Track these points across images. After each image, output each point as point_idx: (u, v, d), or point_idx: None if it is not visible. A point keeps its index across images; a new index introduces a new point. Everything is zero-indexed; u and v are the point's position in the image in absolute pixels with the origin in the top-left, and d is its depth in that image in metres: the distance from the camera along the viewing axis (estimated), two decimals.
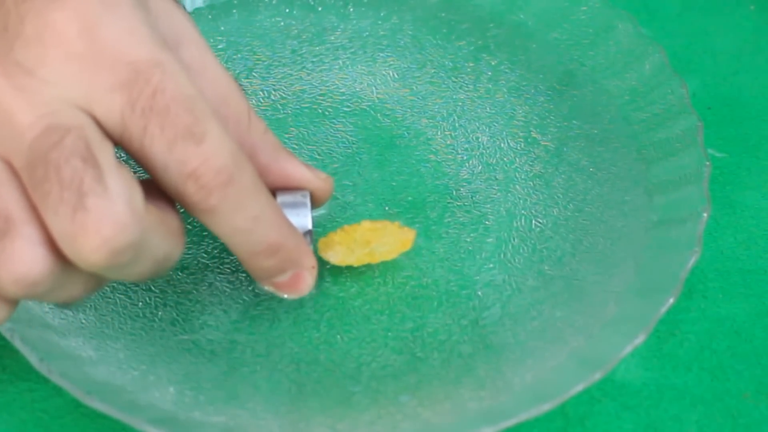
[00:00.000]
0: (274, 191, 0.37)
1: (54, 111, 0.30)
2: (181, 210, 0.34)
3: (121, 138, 0.31)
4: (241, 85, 0.36)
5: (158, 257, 0.33)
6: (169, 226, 0.33)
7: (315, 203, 0.38)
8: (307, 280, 0.37)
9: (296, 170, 0.37)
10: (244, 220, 0.33)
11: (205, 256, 0.40)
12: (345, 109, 0.46)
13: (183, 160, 0.31)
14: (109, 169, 0.30)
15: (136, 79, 0.31)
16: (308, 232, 0.37)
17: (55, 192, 0.30)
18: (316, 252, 0.39)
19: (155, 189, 0.33)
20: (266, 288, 0.37)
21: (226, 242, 0.34)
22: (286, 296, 0.37)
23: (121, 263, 0.31)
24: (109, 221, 0.30)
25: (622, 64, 0.45)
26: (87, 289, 0.33)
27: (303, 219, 0.37)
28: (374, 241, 0.39)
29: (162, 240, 0.32)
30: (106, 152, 0.31)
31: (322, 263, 0.39)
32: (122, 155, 0.35)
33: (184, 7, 0.36)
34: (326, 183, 0.38)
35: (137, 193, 0.31)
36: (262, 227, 0.34)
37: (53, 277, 0.31)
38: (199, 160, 0.32)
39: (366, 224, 0.39)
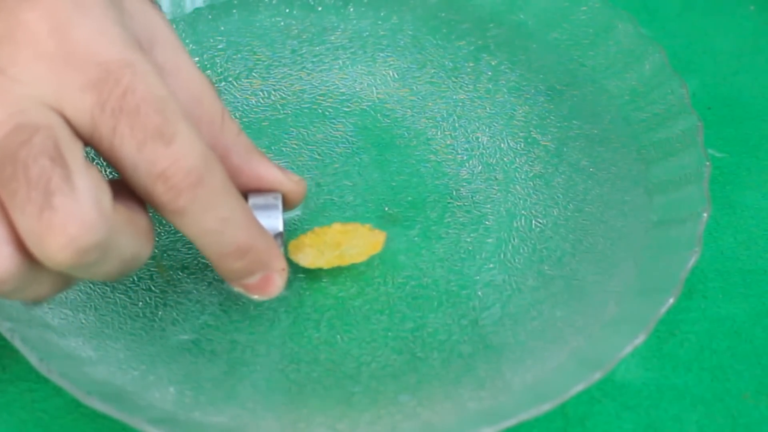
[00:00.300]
0: (246, 193, 0.37)
1: (24, 110, 0.30)
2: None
3: (91, 137, 0.31)
4: (216, 86, 0.36)
5: (126, 257, 0.33)
6: (137, 226, 0.33)
7: (288, 205, 0.38)
8: (277, 282, 0.37)
9: (268, 172, 0.37)
10: (213, 222, 0.33)
11: None
12: (345, 109, 0.46)
13: (152, 160, 0.31)
14: (77, 168, 0.30)
15: (107, 79, 0.31)
16: (279, 234, 0.37)
17: (23, 191, 0.30)
18: (286, 254, 0.39)
19: (125, 189, 0.33)
20: (236, 289, 0.37)
21: (195, 243, 0.34)
22: (255, 298, 0.37)
23: (87, 262, 0.31)
24: (75, 220, 0.30)
25: (622, 64, 0.45)
26: (55, 288, 0.33)
27: (274, 221, 0.37)
28: (344, 244, 0.39)
29: (130, 240, 0.32)
30: (75, 152, 0.31)
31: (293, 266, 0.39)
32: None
33: (160, 7, 0.36)
34: (299, 185, 0.38)
35: (105, 193, 0.31)
36: (232, 229, 0.34)
37: (20, 275, 0.31)
38: (168, 161, 0.32)
39: (336, 226, 0.39)
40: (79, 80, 0.31)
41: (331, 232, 0.39)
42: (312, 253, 0.39)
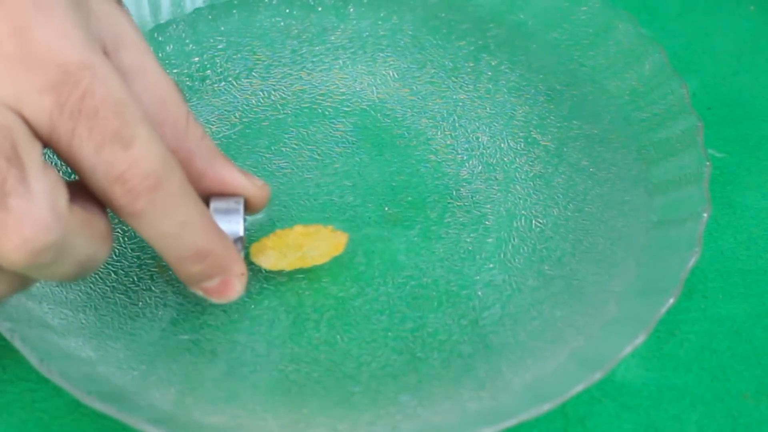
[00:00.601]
0: (209, 197, 0.37)
1: None
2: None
3: (50, 139, 0.31)
4: (181, 89, 0.36)
5: (82, 258, 0.33)
6: (94, 228, 0.33)
7: (251, 210, 0.38)
8: (236, 287, 0.37)
9: (231, 177, 0.37)
10: (170, 226, 0.33)
11: None
12: (345, 109, 0.46)
13: (110, 163, 0.32)
14: (34, 169, 0.30)
15: (66, 81, 0.31)
16: (240, 239, 0.37)
17: None
18: (248, 257, 0.39)
19: (84, 191, 0.33)
20: (196, 292, 0.37)
21: (153, 246, 0.34)
22: (215, 301, 0.37)
23: (42, 263, 0.31)
24: (29, 221, 0.30)
25: (622, 64, 0.45)
26: (11, 288, 0.33)
27: (235, 225, 0.37)
28: (306, 246, 0.39)
29: (86, 241, 0.32)
30: (32, 153, 0.31)
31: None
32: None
33: (128, 11, 0.36)
34: (262, 190, 0.38)
35: (61, 194, 0.31)
36: (190, 233, 0.34)
37: None
38: (126, 164, 0.32)
39: (299, 228, 0.39)
40: (38, 82, 0.31)
41: (293, 234, 0.39)
42: (274, 255, 0.39)
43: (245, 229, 0.37)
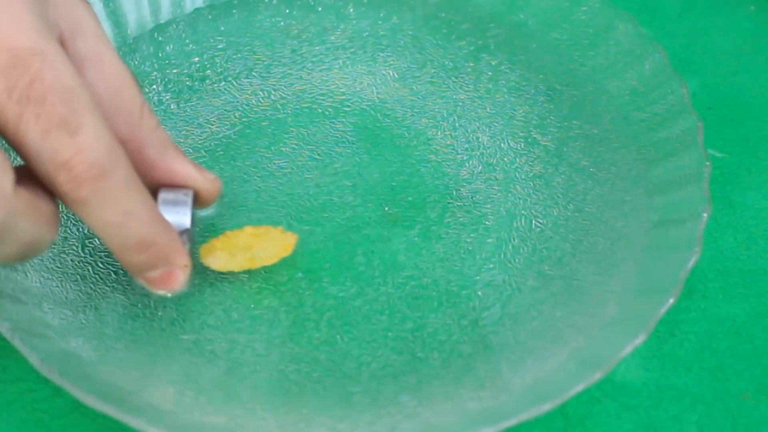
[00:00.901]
0: (159, 188, 0.37)
1: None
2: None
3: None
4: (137, 79, 0.36)
5: (26, 240, 0.33)
6: (40, 212, 0.33)
7: (201, 203, 0.38)
8: (179, 278, 0.37)
9: (182, 168, 0.37)
10: (114, 215, 0.33)
11: None
12: (345, 109, 0.46)
13: (56, 149, 0.32)
14: None
15: (15, 66, 0.31)
16: (186, 231, 0.37)
17: None
18: (197, 257, 0.39)
19: (33, 175, 0.33)
20: (139, 282, 0.37)
21: (97, 234, 0.34)
22: (158, 292, 0.37)
23: None
24: None
25: (622, 64, 0.45)
26: None
27: (182, 217, 0.37)
28: (256, 246, 0.39)
29: (30, 224, 0.33)
30: None
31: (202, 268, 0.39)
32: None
33: None
34: (213, 184, 0.38)
35: (7, 176, 0.31)
36: (133, 223, 0.34)
37: None
38: (72, 151, 0.32)
39: (248, 229, 0.39)
40: None
41: (243, 236, 0.39)
42: (223, 256, 0.39)
43: (193, 222, 0.37)
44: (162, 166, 0.37)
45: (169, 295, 0.38)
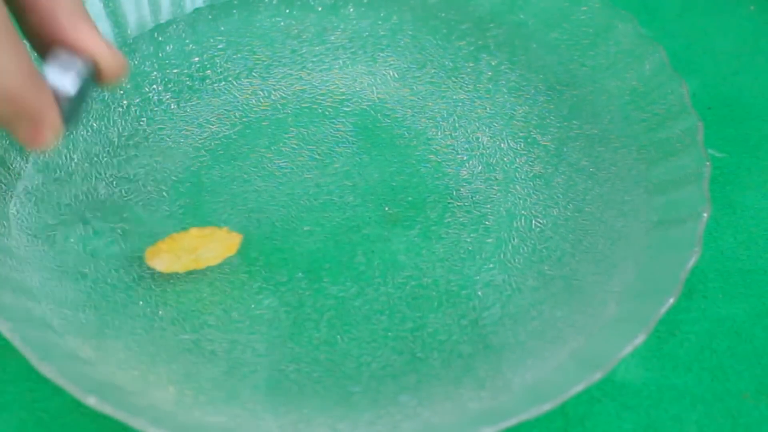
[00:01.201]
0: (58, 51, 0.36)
1: None
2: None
3: None
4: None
5: None
6: None
7: (102, 79, 0.37)
8: (45, 135, 0.36)
9: (89, 38, 0.36)
10: None
11: None
12: (345, 109, 0.46)
13: None
14: None
15: None
16: (68, 98, 0.36)
17: None
18: (143, 258, 0.39)
19: None
20: (9, 134, 0.36)
21: None
22: (27, 148, 0.36)
23: None
24: None
25: (622, 64, 0.45)
26: None
27: (67, 81, 0.36)
28: (201, 248, 0.39)
29: None
30: None
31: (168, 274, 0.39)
32: None
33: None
34: (114, 58, 0.37)
35: None
36: (1, 74, 0.33)
37: None
38: None
39: (194, 231, 0.40)
40: None
41: (188, 237, 0.40)
42: (168, 258, 0.39)
43: (85, 96, 0.36)
44: (70, 33, 0.36)
45: (39, 153, 0.36)
